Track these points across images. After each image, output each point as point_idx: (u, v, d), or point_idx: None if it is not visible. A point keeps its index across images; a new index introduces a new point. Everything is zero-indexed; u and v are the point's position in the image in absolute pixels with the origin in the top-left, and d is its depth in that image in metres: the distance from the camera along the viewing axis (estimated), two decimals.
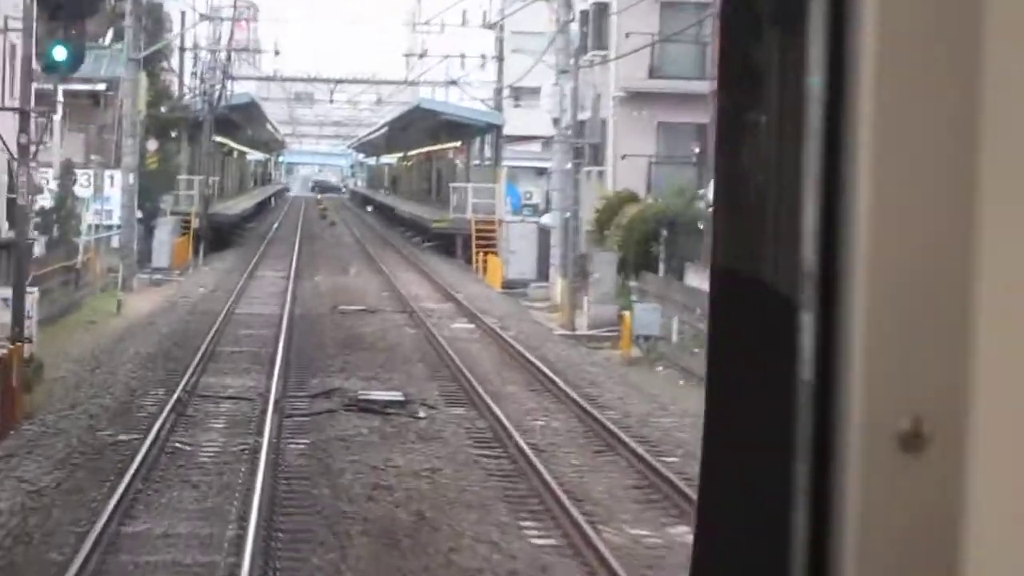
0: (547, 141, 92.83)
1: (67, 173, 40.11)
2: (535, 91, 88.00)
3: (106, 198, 50.11)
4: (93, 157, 48.55)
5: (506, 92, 75.10)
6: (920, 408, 1.31)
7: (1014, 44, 1.31)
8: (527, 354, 30.40)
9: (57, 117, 49.22)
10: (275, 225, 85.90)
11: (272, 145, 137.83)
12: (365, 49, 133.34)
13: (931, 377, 1.31)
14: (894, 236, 1.30)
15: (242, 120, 77.80)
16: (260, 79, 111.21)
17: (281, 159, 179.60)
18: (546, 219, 55.50)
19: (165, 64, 58.68)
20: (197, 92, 61.98)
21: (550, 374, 27.74)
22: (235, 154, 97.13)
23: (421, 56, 77.11)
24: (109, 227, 49.29)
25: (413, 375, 27.68)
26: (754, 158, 1.44)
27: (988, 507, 1.32)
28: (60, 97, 49.69)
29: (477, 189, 64.99)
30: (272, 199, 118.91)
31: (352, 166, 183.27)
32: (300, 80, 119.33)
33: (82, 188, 50.41)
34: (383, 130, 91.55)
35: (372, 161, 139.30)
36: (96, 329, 35.13)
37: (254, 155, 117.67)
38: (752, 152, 1.45)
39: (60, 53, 23.03)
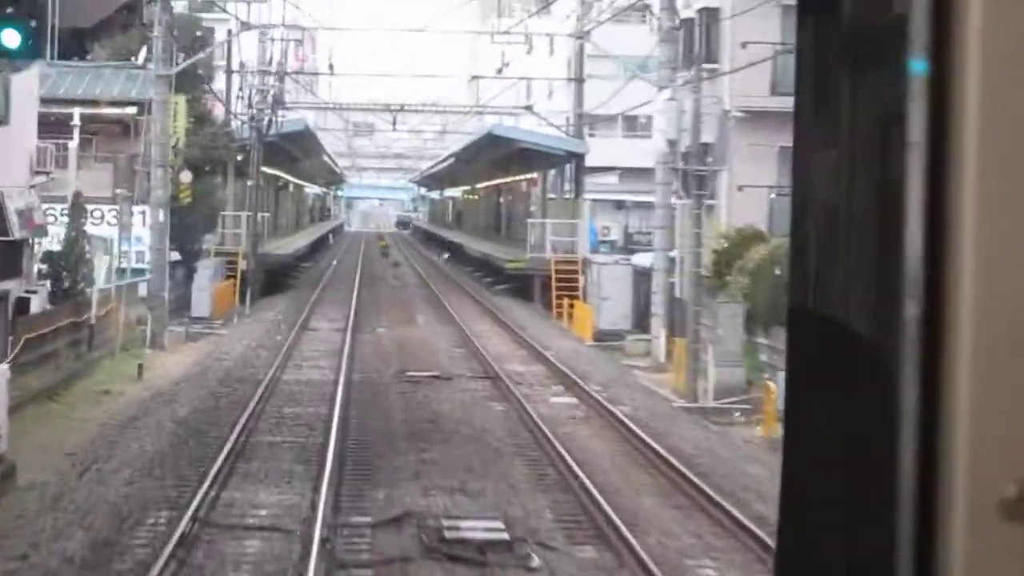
0: (624, 173, 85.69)
1: (77, 209, 32.90)
2: (611, 119, 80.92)
3: (137, 238, 43.09)
4: (118, 191, 41.49)
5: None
6: None
7: None
8: (654, 444, 22.97)
9: (73, 144, 42.29)
10: (333, 264, 78.79)
11: (330, 178, 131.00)
12: (427, 75, 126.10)
13: None
14: (1001, 294, 1.23)
15: (296, 150, 70.78)
16: (315, 107, 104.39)
17: (340, 193, 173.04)
18: (640, 259, 48.03)
19: (207, 88, 51.60)
20: (245, 118, 54.84)
21: (692, 476, 20.32)
22: (290, 187, 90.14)
23: (501, 69, 69.48)
24: (140, 271, 42.16)
25: (513, 483, 20.22)
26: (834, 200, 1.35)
27: None
28: (77, 120, 42.77)
29: (556, 225, 57.59)
30: (330, 236, 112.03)
31: (414, 200, 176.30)
32: (359, 109, 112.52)
33: (99, 226, 43.45)
34: (449, 161, 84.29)
35: (435, 195, 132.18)
36: (106, 403, 27.91)
37: (311, 189, 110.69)
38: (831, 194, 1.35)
39: (11, 38, 15.90)
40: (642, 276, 45.41)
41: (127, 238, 42.35)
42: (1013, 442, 1.25)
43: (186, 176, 42.07)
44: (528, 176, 69.93)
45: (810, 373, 1.40)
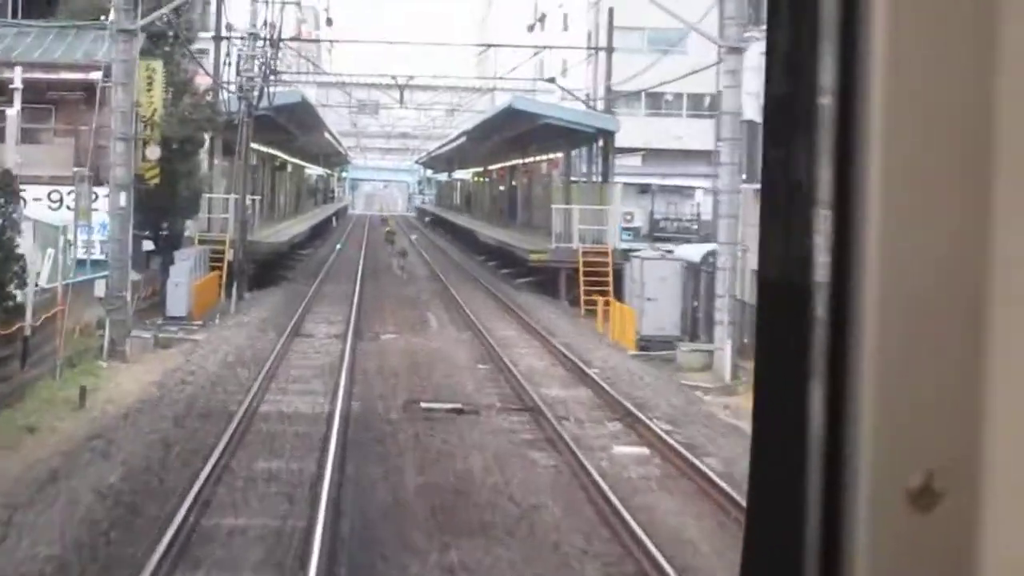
0: (648, 154, 78.44)
1: (6, 192, 25.81)
2: (634, 96, 73.75)
3: (102, 224, 36.08)
4: (76, 169, 34.40)
5: (600, 95, 60.68)
6: (932, 463, 1.29)
7: None
8: None
9: (12, 112, 35.21)
10: (334, 252, 71.68)
11: (333, 159, 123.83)
12: (433, 43, 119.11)
13: (942, 431, 1.29)
14: (904, 286, 1.27)
15: (293, 126, 63.66)
16: (316, 81, 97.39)
17: (344, 175, 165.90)
18: (687, 252, 40.94)
19: (188, 52, 44.45)
20: (234, 87, 47.74)
21: None
22: (289, 168, 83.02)
23: (541, 43, 62.55)
24: (104, 263, 35.16)
25: None
26: (788, 181, 1.42)
27: (1001, 564, 1.28)
28: (18, 82, 35.64)
29: (584, 212, 50.54)
30: (333, 219, 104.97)
31: (420, 182, 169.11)
32: (363, 85, 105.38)
33: (58, 210, 36.47)
34: (460, 140, 77.12)
35: (443, 177, 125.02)
36: (23, 450, 20.91)
37: (313, 170, 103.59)
38: (787, 175, 1.43)
39: None
40: (693, 272, 38.42)
41: (86, 226, 35.29)
42: (918, 433, 1.26)
43: (153, 152, 34.99)
44: (549, 157, 62.85)
45: (767, 352, 1.41)
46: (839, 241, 1.31)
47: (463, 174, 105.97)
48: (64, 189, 38.04)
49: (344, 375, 27.74)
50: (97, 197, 35.10)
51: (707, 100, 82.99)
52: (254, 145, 58.45)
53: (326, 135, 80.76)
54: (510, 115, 54.36)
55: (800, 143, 1.39)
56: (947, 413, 1.29)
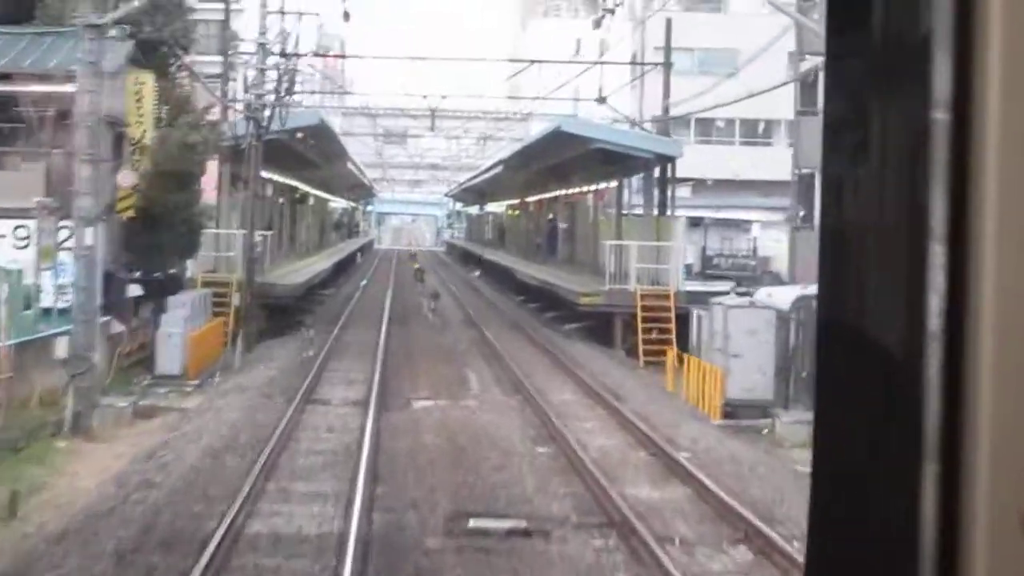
0: (697, 184, 71.66)
1: None
2: (682, 121, 67.05)
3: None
4: (37, 200, 27.76)
5: (634, 119, 54.02)
6: None
7: None
8: None
9: None
10: (358, 291, 64.93)
11: (359, 192, 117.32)
12: (464, 78, 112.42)
13: None
14: (1020, 310, 1.25)
15: (311, 152, 57.06)
16: (340, 107, 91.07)
17: (370, 208, 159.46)
18: (775, 298, 34.08)
19: (183, 63, 37.82)
20: (242, 106, 41.12)
21: None
22: (310, 200, 76.41)
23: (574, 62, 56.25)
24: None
25: None
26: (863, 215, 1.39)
27: None
28: None
29: (641, 249, 43.83)
30: (358, 255, 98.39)
31: (449, 216, 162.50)
32: (389, 113, 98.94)
33: (24, 249, 30.02)
34: (496, 169, 70.36)
35: (474, 210, 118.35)
36: None
37: (337, 203, 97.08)
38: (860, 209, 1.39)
39: None
40: (780, 322, 31.61)
41: (53, 267, 28.72)
42: None
43: (126, 178, 28.29)
44: (597, 186, 56.06)
45: (838, 391, 1.38)
46: (952, 277, 1.25)
47: (496, 207, 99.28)
48: (32, 223, 31.40)
49: (364, 466, 20.93)
50: (65, 234, 28.56)
51: (761, 126, 76.49)
52: (270, 175, 51.83)
53: (349, 165, 74.17)
54: (556, 139, 47.62)
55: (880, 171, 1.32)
56: None
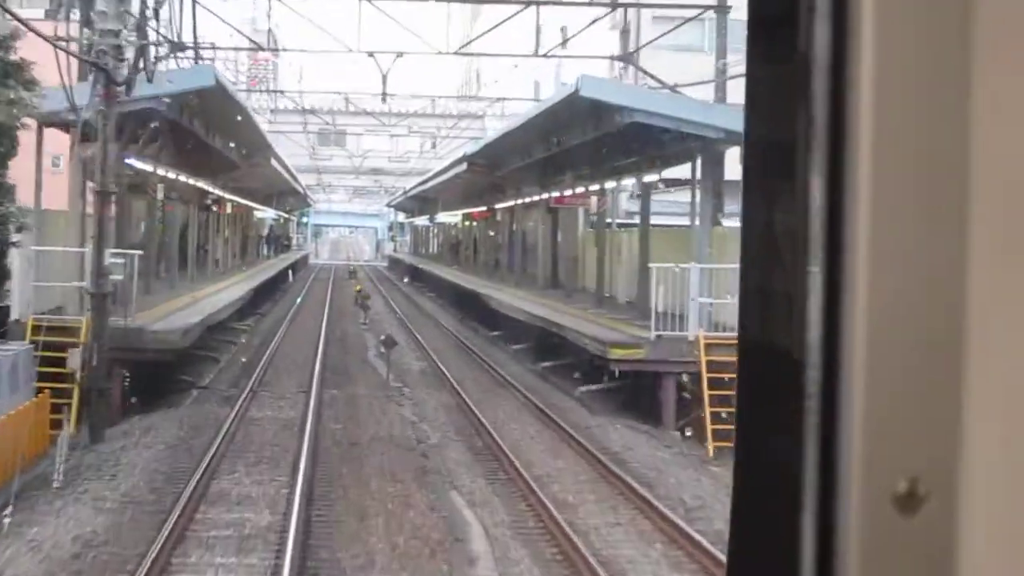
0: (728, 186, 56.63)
1: None
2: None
3: None
4: None
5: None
6: (915, 468, 1.33)
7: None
8: None
9: None
10: (283, 325, 49.22)
11: (291, 201, 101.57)
12: (409, 77, 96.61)
13: (926, 438, 1.33)
14: (888, 293, 1.32)
15: (221, 142, 41.54)
16: (256, 100, 75.70)
17: (305, 220, 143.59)
18: None
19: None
20: (85, 52, 25.39)
21: None
22: (227, 208, 60.70)
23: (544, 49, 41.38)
24: None
25: None
26: (768, 220, 1.46)
27: (983, 566, 1.33)
28: None
29: (703, 274, 28.66)
30: (290, 273, 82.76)
31: (391, 228, 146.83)
32: (330, 106, 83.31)
33: None
34: (458, 168, 54.69)
35: (423, 221, 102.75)
36: None
37: (263, 213, 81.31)
38: (767, 213, 1.46)
39: None
40: None
41: None
42: (903, 440, 1.31)
43: None
44: (609, 184, 40.70)
45: (750, 398, 1.47)
46: (830, 262, 1.33)
47: (447, 217, 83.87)
48: None
49: None
50: None
51: None
52: (155, 169, 36.19)
53: (274, 164, 58.52)
54: (568, 110, 32.26)
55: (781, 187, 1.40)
56: (930, 423, 1.32)
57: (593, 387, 30.96)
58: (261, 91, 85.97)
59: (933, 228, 1.33)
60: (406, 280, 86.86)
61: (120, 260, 27.89)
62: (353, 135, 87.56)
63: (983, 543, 1.33)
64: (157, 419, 25.82)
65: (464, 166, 51.20)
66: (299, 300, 62.54)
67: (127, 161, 30.98)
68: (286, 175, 70.70)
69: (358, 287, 63.22)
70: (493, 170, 51.56)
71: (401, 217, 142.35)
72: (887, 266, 1.33)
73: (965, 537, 1.33)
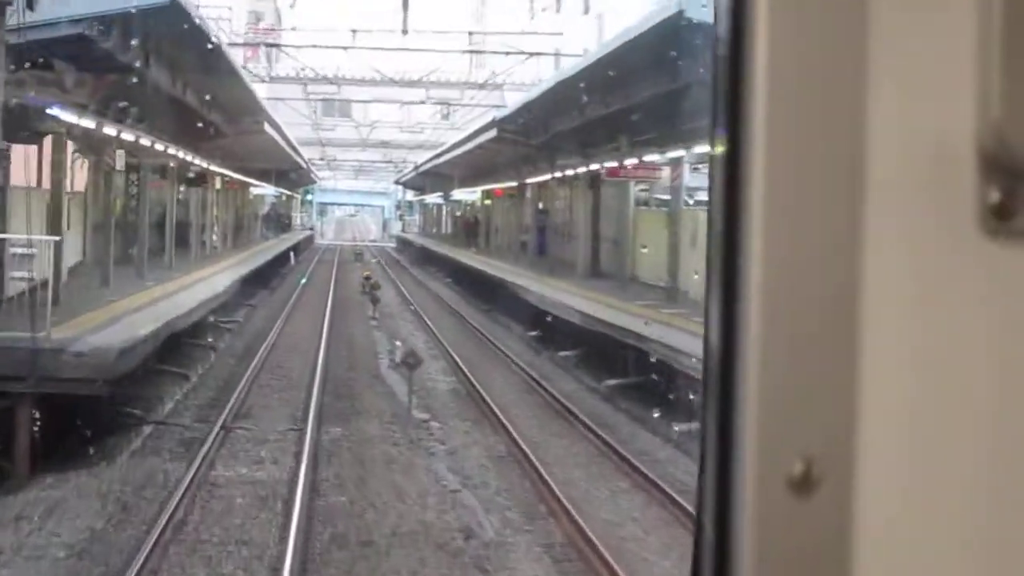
0: None
1: None
2: None
3: None
4: None
5: None
6: (810, 451, 1.33)
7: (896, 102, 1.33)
8: None
9: None
10: (276, 324, 40.52)
11: (293, 177, 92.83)
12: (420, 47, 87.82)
13: (820, 420, 1.34)
14: (782, 277, 1.33)
15: (199, 100, 32.94)
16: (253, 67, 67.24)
17: (309, 197, 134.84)
18: None
19: None
20: None
21: None
22: (216, 184, 51.92)
23: None
24: None
25: None
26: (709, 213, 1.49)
27: (876, 548, 1.35)
28: None
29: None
30: (291, 255, 74.09)
31: (399, 207, 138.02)
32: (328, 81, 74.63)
33: None
34: (487, 135, 45.88)
35: (435, 199, 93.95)
36: None
37: (260, 189, 72.51)
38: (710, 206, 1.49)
39: None
40: None
41: None
42: (798, 422, 1.32)
43: None
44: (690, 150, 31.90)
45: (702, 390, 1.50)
46: (727, 248, 1.35)
47: (463, 194, 75.03)
48: None
49: None
50: None
51: None
52: (112, 131, 27.44)
53: (268, 130, 49.78)
54: (644, 50, 23.48)
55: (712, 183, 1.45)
56: (824, 406, 1.33)
57: (695, 425, 22.27)
58: (260, 44, 76.98)
59: (826, 208, 1.32)
60: (415, 258, 77.96)
61: (31, 250, 19.21)
62: (360, 104, 78.90)
63: (878, 526, 1.34)
64: (71, 489, 17.09)
65: (493, 132, 42.40)
66: (299, 288, 53.80)
67: (52, 112, 22.22)
68: (284, 146, 61.92)
69: (366, 273, 54.47)
70: (528, 137, 42.85)
71: (410, 195, 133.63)
72: (779, 250, 1.31)
73: (860, 520, 1.33)
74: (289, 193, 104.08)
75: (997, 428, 1.34)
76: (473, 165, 64.35)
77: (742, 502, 1.34)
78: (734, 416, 1.35)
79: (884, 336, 1.33)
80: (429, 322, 40.88)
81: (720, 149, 1.37)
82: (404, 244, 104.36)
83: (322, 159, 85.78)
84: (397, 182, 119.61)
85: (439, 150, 69.36)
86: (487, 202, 70.81)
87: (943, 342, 1.34)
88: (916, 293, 1.34)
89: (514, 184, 51.33)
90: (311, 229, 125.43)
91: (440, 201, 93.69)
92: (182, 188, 47.32)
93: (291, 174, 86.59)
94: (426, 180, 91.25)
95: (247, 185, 68.49)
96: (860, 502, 1.33)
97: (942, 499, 1.34)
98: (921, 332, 1.34)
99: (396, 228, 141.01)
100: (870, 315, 1.33)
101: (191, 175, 45.78)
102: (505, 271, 46.42)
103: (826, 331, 1.33)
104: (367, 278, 53.78)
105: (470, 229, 72.85)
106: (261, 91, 59.78)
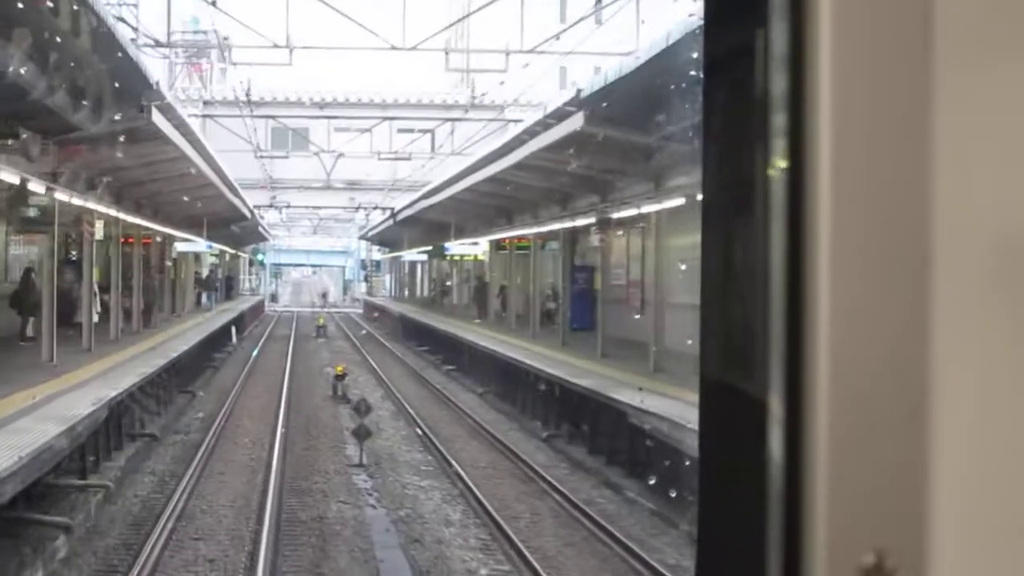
0: None
1: None
2: None
3: None
4: None
5: None
6: (883, 542, 1.28)
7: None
8: None
9: None
10: (173, 497, 20.20)
11: (238, 232, 72.74)
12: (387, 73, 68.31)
13: (893, 511, 1.29)
14: (852, 367, 1.28)
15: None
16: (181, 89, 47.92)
17: (260, 256, 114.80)
18: None
19: None
20: None
21: None
22: (97, 230, 31.68)
23: None
24: None
25: None
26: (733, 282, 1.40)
27: None
28: None
29: None
30: (232, 332, 54.03)
31: (364, 266, 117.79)
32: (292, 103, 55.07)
33: None
34: (517, 153, 26.05)
35: (417, 255, 73.66)
36: None
37: (187, 245, 52.29)
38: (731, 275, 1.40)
39: None
40: None
41: None
42: (869, 513, 1.27)
43: None
44: None
45: (716, 442, 1.40)
46: (790, 327, 1.27)
47: (460, 247, 55.01)
48: None
49: None
50: None
51: None
52: None
53: (182, 147, 29.72)
54: None
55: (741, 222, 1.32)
56: (896, 496, 1.27)
57: None
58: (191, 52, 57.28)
59: (893, 299, 1.25)
60: (389, 329, 57.28)
61: None
62: (318, 137, 59.22)
63: None
64: None
65: (577, 119, 22.33)
66: (230, 399, 33.47)
67: None
68: (215, 179, 41.86)
69: (339, 370, 34.22)
70: (628, 130, 23.03)
71: (376, 253, 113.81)
72: (847, 342, 1.25)
73: None
74: (234, 252, 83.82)
75: None
76: (481, 204, 44.55)
77: None
78: (804, 503, 1.26)
79: (954, 423, 1.27)
80: (481, 495, 20.56)
81: (781, 240, 1.26)
82: (374, 311, 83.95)
83: (272, 205, 65.58)
84: (363, 237, 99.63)
85: (432, 185, 49.33)
86: (486, 257, 50.91)
87: (1013, 429, 1.27)
88: (985, 379, 1.26)
89: (594, 221, 31.10)
90: (262, 295, 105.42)
91: (421, 258, 73.56)
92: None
93: (232, 226, 66.38)
94: (403, 232, 71.15)
95: (169, 239, 48.30)
96: None
97: None
98: (990, 419, 1.27)
99: (360, 290, 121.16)
100: (940, 406, 1.27)
101: (38, 217, 25.71)
102: (574, 370, 26.51)
103: (897, 419, 1.26)
104: (339, 376, 33.54)
105: (478, 293, 52.70)
106: (194, 121, 39.96)
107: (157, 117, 24.35)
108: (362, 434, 22.58)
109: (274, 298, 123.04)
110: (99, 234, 30.58)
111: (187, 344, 35.37)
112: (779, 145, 1.28)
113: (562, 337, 34.89)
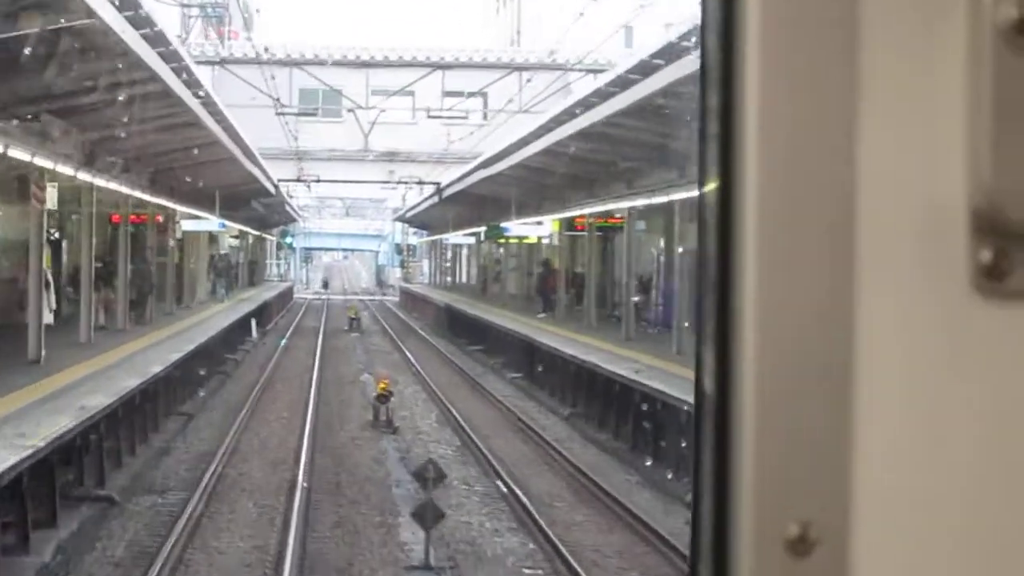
0: None
1: None
2: None
3: None
4: None
5: None
6: (807, 514, 1.30)
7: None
8: None
9: None
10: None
11: (265, 213, 64.11)
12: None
13: (816, 483, 1.31)
14: (777, 343, 1.30)
15: None
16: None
17: (289, 240, 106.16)
18: None
19: None
20: None
21: None
22: (91, 203, 22.97)
23: None
24: None
25: None
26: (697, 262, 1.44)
27: None
28: None
29: None
30: (253, 325, 45.53)
31: (400, 250, 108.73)
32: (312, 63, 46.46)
33: None
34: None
35: (463, 238, 64.75)
36: None
37: (200, 224, 43.65)
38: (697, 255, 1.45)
39: None
40: None
41: None
42: (793, 486, 1.29)
43: None
44: None
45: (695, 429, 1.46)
46: (721, 300, 1.30)
47: (519, 226, 46.16)
48: None
49: None
50: None
51: None
52: None
53: (208, 124, 20.89)
54: None
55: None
56: (820, 468, 1.29)
57: None
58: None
59: (818, 268, 1.28)
60: (434, 325, 48.27)
61: None
62: (352, 99, 50.43)
63: None
64: None
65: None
66: (235, 427, 24.57)
67: None
68: (226, 139, 33.10)
69: (382, 387, 25.32)
70: None
71: (412, 237, 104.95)
72: (771, 312, 1.28)
73: None
74: (258, 234, 75.11)
75: (991, 491, 1.29)
76: (555, 173, 35.65)
77: (738, 562, 1.29)
78: (731, 476, 1.30)
79: (878, 398, 1.30)
80: None
81: (711, 207, 1.30)
82: (414, 301, 74.96)
83: (299, 179, 56.72)
84: (399, 219, 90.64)
85: (492, 152, 40.41)
86: (552, 239, 42.01)
87: (936, 403, 1.30)
88: (909, 353, 1.30)
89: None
90: (290, 281, 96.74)
91: (467, 241, 64.65)
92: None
93: (253, 202, 57.60)
94: (447, 212, 62.24)
95: (172, 214, 39.53)
96: (857, 565, 1.29)
97: (937, 563, 1.29)
98: (914, 393, 1.30)
99: (394, 276, 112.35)
100: (864, 376, 1.30)
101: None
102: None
103: (821, 393, 1.29)
104: (383, 397, 24.71)
105: (542, 282, 43.69)
106: (205, 77, 31.37)
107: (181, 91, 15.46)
108: (429, 518, 13.71)
109: (304, 283, 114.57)
110: (51, 202, 21.69)
111: (180, 353, 26.50)
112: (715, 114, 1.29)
113: (676, 344, 26.04)
